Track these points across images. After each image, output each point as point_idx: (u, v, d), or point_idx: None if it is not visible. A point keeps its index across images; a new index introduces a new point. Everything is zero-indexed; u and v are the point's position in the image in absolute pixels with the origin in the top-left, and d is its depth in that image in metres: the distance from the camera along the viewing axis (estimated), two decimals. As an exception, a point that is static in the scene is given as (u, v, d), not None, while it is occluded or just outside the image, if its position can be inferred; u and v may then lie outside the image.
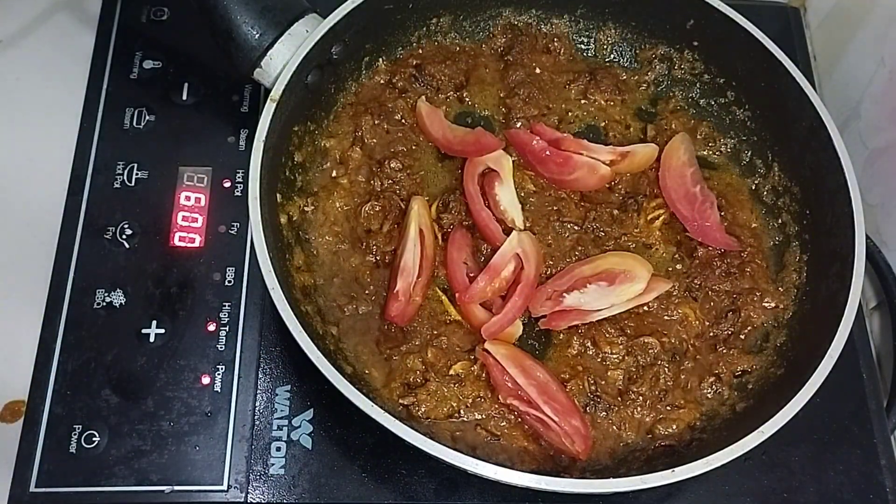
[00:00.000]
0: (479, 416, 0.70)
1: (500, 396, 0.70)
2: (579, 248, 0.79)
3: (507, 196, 0.79)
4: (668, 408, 0.72)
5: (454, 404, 0.70)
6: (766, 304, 0.77)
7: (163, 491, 0.68)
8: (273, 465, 0.70)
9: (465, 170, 0.80)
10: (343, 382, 0.60)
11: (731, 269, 0.79)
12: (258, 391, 0.73)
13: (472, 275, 0.75)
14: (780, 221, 0.82)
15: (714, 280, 0.78)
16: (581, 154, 0.81)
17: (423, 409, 0.69)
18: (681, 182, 0.81)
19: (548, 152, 0.80)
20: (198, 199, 0.80)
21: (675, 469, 0.60)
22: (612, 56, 0.91)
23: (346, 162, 0.81)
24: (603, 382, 0.73)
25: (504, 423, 0.70)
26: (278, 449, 0.71)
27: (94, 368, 0.72)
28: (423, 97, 0.84)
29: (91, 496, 0.67)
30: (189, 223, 0.78)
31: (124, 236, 0.77)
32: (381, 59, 0.86)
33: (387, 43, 0.86)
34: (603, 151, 0.81)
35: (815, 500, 0.73)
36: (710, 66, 0.87)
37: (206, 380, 0.72)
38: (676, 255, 0.80)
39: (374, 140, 0.83)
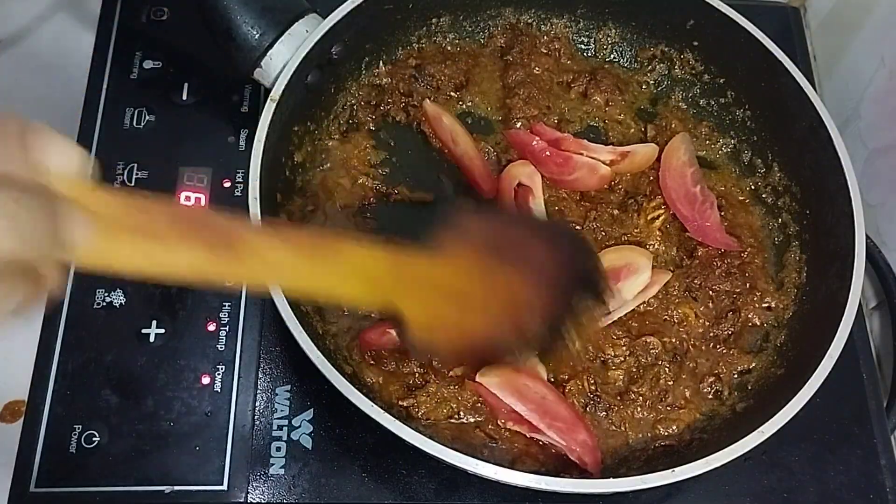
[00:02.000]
0: (479, 418, 0.70)
1: (500, 421, 0.69)
2: (579, 247, 0.79)
3: (539, 211, 0.78)
4: (669, 408, 0.72)
5: (454, 406, 0.70)
6: (766, 304, 0.77)
7: (163, 491, 0.68)
8: (273, 465, 0.70)
9: (500, 184, 0.79)
10: (343, 382, 0.60)
11: (731, 269, 0.78)
12: (258, 391, 0.73)
13: None
14: (780, 221, 0.82)
15: (714, 280, 0.78)
16: (581, 154, 0.81)
17: (422, 410, 0.69)
18: (681, 182, 0.81)
19: (548, 152, 0.80)
20: (198, 200, 0.79)
21: (676, 469, 0.60)
22: (612, 56, 0.91)
23: (346, 162, 0.81)
24: (603, 382, 0.73)
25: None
26: (278, 449, 0.71)
27: (94, 368, 0.72)
28: (428, 99, 0.84)
29: (91, 496, 0.67)
30: (189, 223, 0.78)
31: (124, 236, 0.77)
32: (381, 60, 0.86)
33: (387, 43, 0.86)
34: (603, 151, 0.81)
35: (815, 500, 0.73)
36: (710, 66, 0.87)
37: (206, 380, 0.72)
38: (676, 255, 0.80)
39: (374, 140, 0.83)
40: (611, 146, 0.83)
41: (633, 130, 0.87)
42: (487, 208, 0.67)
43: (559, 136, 0.82)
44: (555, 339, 0.54)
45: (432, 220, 0.50)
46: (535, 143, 0.81)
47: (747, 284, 0.78)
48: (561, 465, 0.68)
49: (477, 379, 0.69)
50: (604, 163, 0.81)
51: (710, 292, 0.78)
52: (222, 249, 0.35)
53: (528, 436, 0.68)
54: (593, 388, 0.72)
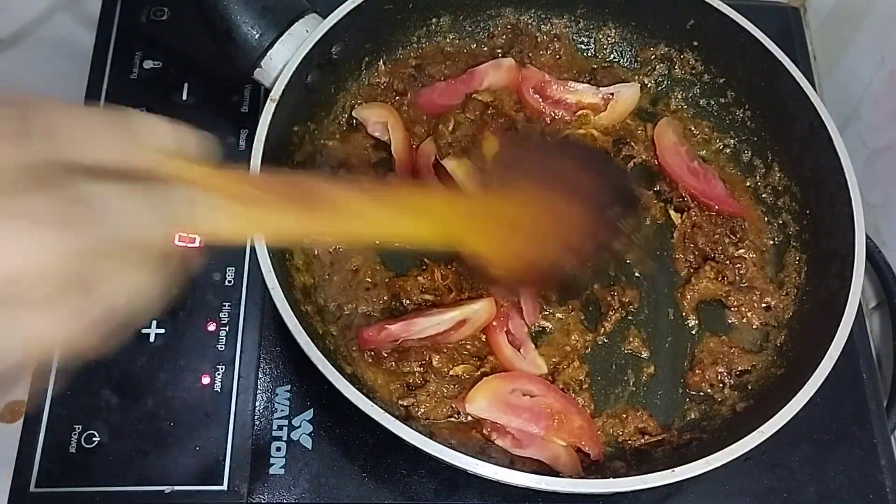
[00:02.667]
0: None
1: (485, 430, 0.69)
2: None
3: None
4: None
5: (454, 405, 0.70)
6: (766, 304, 0.77)
7: (163, 491, 0.68)
8: (273, 465, 0.70)
9: (417, 161, 0.80)
10: (343, 382, 0.60)
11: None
12: (258, 391, 0.73)
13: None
14: (780, 221, 0.82)
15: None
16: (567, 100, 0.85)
17: (422, 410, 0.69)
18: (680, 160, 0.83)
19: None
20: (198, 199, 0.79)
21: (676, 469, 0.60)
22: (612, 56, 0.91)
23: (346, 162, 0.81)
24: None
25: (504, 424, 0.70)
26: (278, 449, 0.71)
27: (94, 368, 0.72)
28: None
29: (91, 496, 0.67)
30: (189, 223, 0.78)
31: (124, 236, 0.77)
32: (381, 60, 0.86)
33: (387, 43, 0.86)
34: (588, 93, 0.85)
35: (815, 500, 0.73)
36: (710, 66, 0.87)
37: (206, 380, 0.72)
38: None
39: (374, 140, 0.83)
40: (595, 87, 0.86)
41: (632, 130, 0.87)
42: (530, 140, 0.70)
43: (544, 78, 0.85)
44: (604, 256, 0.58)
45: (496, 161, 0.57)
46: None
47: (746, 285, 0.78)
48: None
49: (466, 409, 0.68)
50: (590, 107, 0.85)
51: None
52: (313, 209, 0.40)
53: (512, 452, 0.68)
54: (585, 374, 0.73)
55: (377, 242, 0.60)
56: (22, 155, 0.29)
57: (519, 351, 0.72)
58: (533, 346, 0.74)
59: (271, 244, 0.43)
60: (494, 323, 0.72)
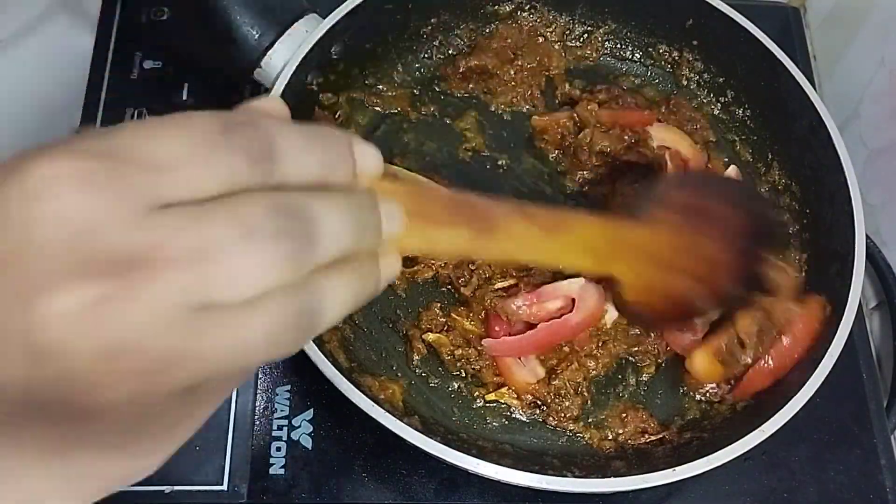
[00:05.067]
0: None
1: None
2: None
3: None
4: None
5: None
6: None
7: (163, 491, 0.68)
8: (273, 465, 0.70)
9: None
10: (343, 382, 0.60)
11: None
12: (258, 391, 0.73)
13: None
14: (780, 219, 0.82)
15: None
16: None
17: (423, 409, 0.69)
18: None
19: None
20: (198, 199, 0.79)
21: (676, 468, 0.60)
22: (610, 55, 0.91)
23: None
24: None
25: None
26: (278, 449, 0.71)
27: (94, 368, 0.72)
28: None
29: (91, 496, 0.67)
30: (189, 223, 0.78)
31: (124, 236, 0.77)
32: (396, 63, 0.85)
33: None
34: None
35: (815, 500, 0.73)
36: (710, 66, 0.87)
37: (206, 380, 0.72)
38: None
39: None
40: None
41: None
42: (684, 175, 0.70)
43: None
44: (749, 294, 0.59)
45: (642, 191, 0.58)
46: None
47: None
48: (562, 458, 0.69)
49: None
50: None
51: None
52: (483, 229, 0.39)
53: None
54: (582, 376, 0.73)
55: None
56: (254, 177, 0.30)
57: (520, 359, 0.72)
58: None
59: (433, 258, 0.41)
60: (497, 328, 0.72)
